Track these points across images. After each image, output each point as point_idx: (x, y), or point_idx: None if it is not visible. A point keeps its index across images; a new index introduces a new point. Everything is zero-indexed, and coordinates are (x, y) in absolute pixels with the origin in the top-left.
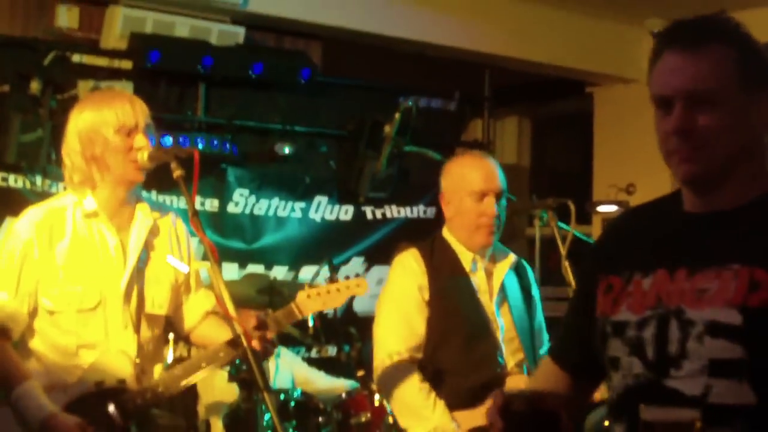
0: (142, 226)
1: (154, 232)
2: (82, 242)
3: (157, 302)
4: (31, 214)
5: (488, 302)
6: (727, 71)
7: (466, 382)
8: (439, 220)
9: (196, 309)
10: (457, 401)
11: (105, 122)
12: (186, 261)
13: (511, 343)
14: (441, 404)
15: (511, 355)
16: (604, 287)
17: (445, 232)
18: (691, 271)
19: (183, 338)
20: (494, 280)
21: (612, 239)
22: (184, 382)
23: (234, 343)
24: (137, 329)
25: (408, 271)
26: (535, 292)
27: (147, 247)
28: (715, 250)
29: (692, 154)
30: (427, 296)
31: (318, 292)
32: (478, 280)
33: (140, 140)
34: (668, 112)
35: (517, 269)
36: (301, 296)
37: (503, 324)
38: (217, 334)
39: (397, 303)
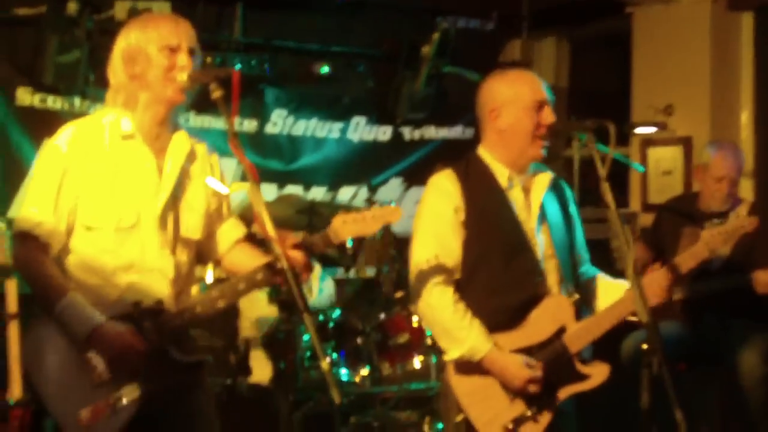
0: (180, 152)
1: (190, 158)
2: (120, 162)
3: (192, 227)
4: (70, 129)
5: (527, 219)
6: None
7: (506, 300)
8: (477, 140)
9: (227, 237)
10: (496, 321)
11: (149, 40)
12: (213, 190)
13: (550, 260)
14: (476, 324)
15: (549, 273)
16: None
17: (481, 151)
18: None
19: (215, 264)
20: (533, 197)
21: None
22: (221, 304)
23: (272, 265)
24: (173, 252)
25: (443, 192)
26: (573, 209)
27: (182, 173)
28: None
29: None
30: (462, 217)
31: (354, 218)
32: (515, 196)
33: (183, 59)
34: None
35: (555, 187)
36: (336, 222)
37: (542, 241)
38: (248, 260)
39: (432, 225)
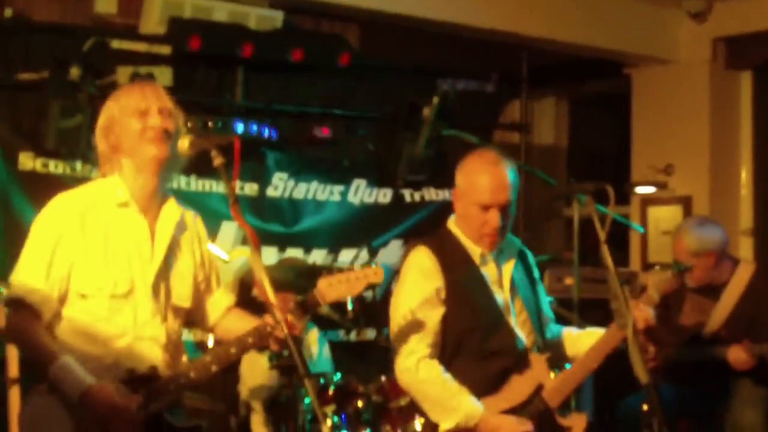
0: (171, 220)
1: (180, 227)
2: (114, 229)
3: (182, 295)
4: (65, 198)
5: (499, 291)
6: None
7: (489, 369)
8: None
9: (218, 305)
10: (482, 387)
11: (121, 110)
12: (200, 261)
13: (525, 326)
14: (465, 391)
15: (526, 337)
16: None
17: (453, 225)
18: None
19: (208, 331)
20: (505, 270)
21: None
22: (214, 368)
23: (261, 329)
24: (165, 319)
25: (424, 272)
26: (536, 274)
27: (173, 241)
28: None
29: None
30: (443, 295)
31: (338, 280)
32: (488, 271)
33: (153, 119)
34: None
35: (520, 255)
36: (322, 284)
37: (515, 310)
38: (240, 326)
39: (415, 304)
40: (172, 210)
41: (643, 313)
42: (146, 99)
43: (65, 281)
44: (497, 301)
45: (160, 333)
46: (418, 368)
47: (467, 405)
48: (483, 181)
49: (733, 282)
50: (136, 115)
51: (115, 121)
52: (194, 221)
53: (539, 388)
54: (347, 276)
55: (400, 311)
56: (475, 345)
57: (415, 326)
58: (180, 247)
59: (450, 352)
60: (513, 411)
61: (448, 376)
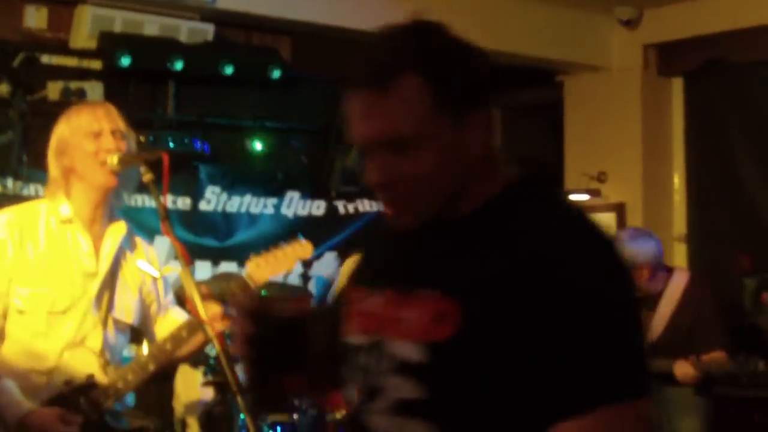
0: (117, 234)
1: (127, 240)
2: (55, 246)
3: (125, 309)
4: (6, 214)
5: None
6: (421, 106)
7: None
8: None
9: (170, 324)
10: None
11: (73, 131)
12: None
13: None
14: None
15: None
16: (348, 304)
17: None
18: (398, 295)
19: None
20: None
21: (366, 252)
22: (152, 367)
23: (194, 322)
24: (104, 328)
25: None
26: None
27: (119, 253)
28: (420, 271)
29: (403, 205)
30: None
31: (266, 260)
32: None
33: (107, 141)
34: (370, 161)
35: None
36: (251, 266)
37: None
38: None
39: None
40: (119, 227)
41: None
42: (98, 120)
43: (5, 297)
44: None
45: (98, 342)
46: None
47: None
48: None
49: (669, 291)
50: (90, 137)
51: (68, 143)
52: (145, 242)
53: None
54: (274, 254)
55: None
56: None
57: None
58: (126, 259)
59: None
60: None
61: None
